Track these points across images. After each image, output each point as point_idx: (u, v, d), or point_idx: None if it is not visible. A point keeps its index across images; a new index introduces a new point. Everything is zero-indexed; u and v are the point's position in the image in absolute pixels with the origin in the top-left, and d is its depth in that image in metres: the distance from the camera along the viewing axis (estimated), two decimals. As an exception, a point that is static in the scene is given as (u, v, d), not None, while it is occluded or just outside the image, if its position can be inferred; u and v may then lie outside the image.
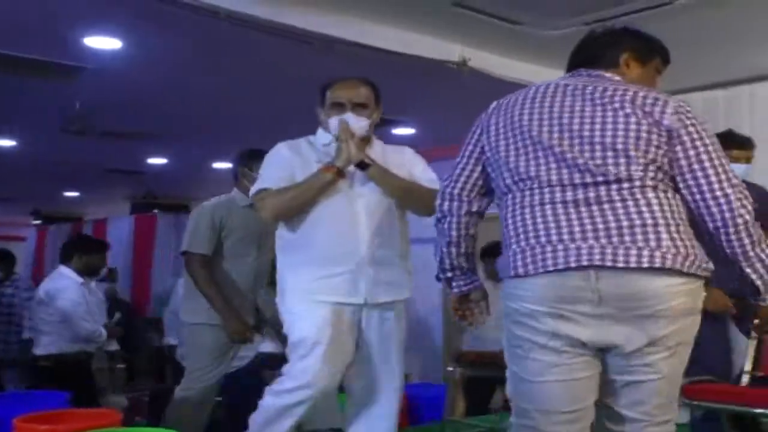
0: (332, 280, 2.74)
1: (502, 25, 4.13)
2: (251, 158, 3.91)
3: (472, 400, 4.95)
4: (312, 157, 2.89)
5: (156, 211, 10.78)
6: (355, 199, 2.81)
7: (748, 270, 1.98)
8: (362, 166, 2.80)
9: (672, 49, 4.48)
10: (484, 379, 4.95)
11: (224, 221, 3.76)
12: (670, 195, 1.97)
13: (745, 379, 3.50)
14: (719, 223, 1.95)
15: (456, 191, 2.22)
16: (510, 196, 2.08)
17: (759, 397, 3.21)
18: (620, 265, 1.88)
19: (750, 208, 1.94)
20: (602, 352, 1.98)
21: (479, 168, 2.19)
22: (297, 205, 2.78)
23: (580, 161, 1.97)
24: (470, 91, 4.94)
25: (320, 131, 3.00)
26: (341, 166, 2.77)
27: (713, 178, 1.94)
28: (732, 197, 1.93)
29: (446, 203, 2.24)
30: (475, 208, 2.23)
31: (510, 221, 2.06)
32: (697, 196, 1.96)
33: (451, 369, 4.99)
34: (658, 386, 1.97)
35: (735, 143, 3.68)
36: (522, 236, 2.01)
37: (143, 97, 5.55)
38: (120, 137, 6.66)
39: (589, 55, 2.21)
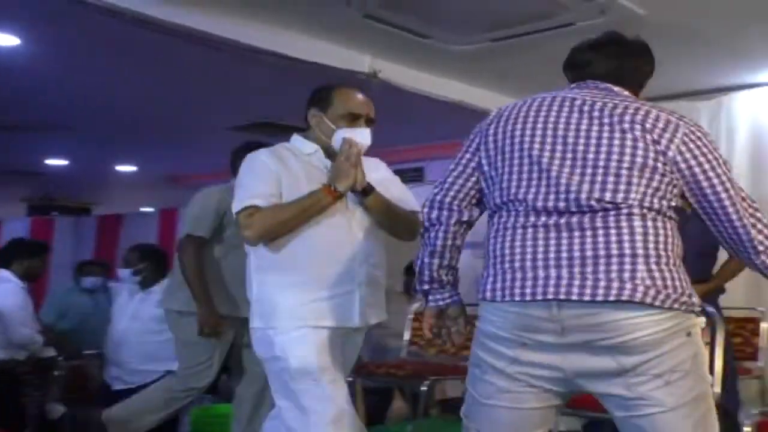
0: (328, 303, 2.55)
1: (412, 39, 4.17)
2: (250, 151, 3.87)
3: (370, 410, 4.97)
4: (298, 169, 2.62)
5: (55, 213, 10.41)
6: (350, 216, 2.62)
7: None
8: (364, 192, 2.61)
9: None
10: (383, 389, 4.98)
11: (228, 210, 3.67)
12: (660, 224, 1.87)
13: None
14: (741, 250, 1.93)
15: (447, 199, 2.08)
16: (497, 215, 1.99)
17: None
18: (587, 298, 1.80)
19: None
20: (572, 384, 1.91)
21: (474, 178, 2.06)
22: (289, 229, 2.54)
23: (573, 187, 1.87)
24: (380, 103, 4.97)
25: (298, 137, 2.73)
26: (343, 191, 2.55)
27: (730, 209, 1.89)
28: (749, 226, 1.89)
29: (434, 212, 2.10)
30: (465, 218, 2.09)
31: (491, 242, 1.98)
32: (717, 224, 1.92)
33: (350, 379, 5.00)
34: (669, 420, 1.82)
35: None
36: (499, 259, 1.93)
37: (42, 96, 5.36)
38: (16, 136, 6.42)
39: (614, 70, 2.07)
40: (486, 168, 2.02)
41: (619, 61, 2.09)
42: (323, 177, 2.60)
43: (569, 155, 1.90)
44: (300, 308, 2.53)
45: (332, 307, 2.55)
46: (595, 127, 1.91)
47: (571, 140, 1.91)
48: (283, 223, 2.53)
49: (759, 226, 1.90)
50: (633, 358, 1.80)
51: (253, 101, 5.43)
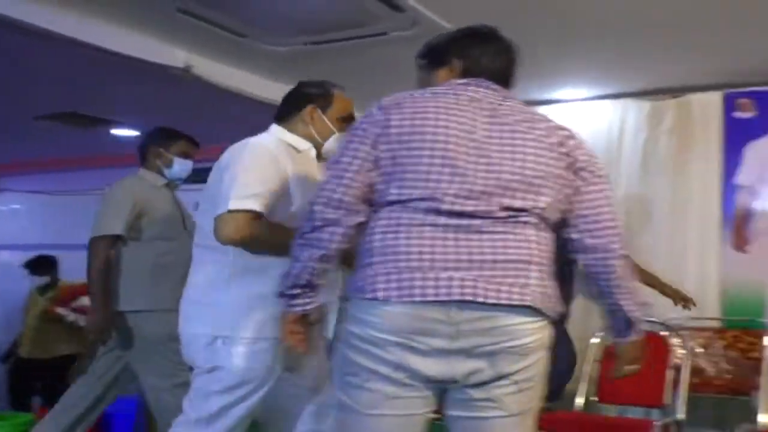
0: None
1: (228, 36, 4.16)
2: (166, 138, 3.68)
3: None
4: (303, 168, 2.48)
5: None
6: None
7: (622, 302, 1.96)
8: None
9: (388, 75, 4.78)
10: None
11: (146, 202, 3.45)
12: (547, 234, 1.91)
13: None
14: (600, 258, 1.93)
15: (347, 198, 1.88)
16: (387, 209, 1.87)
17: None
18: (491, 300, 1.77)
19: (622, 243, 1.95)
20: (444, 386, 1.86)
21: (372, 173, 1.89)
22: (270, 251, 2.36)
23: (486, 193, 1.83)
24: (195, 97, 4.93)
25: (284, 131, 2.58)
26: None
27: (609, 209, 1.94)
28: (617, 237, 1.94)
29: (330, 210, 1.88)
30: (362, 218, 1.91)
31: (379, 237, 1.85)
32: (584, 229, 1.93)
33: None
34: (505, 426, 1.84)
35: None
36: (392, 257, 1.81)
37: None
38: None
39: (502, 70, 2.04)
40: (385, 162, 1.87)
41: (507, 61, 2.06)
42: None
43: (484, 160, 1.85)
44: (273, 320, 2.31)
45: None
46: (507, 134, 1.88)
47: (486, 145, 1.86)
48: (272, 246, 2.34)
49: (620, 238, 1.96)
50: (512, 366, 1.80)
51: (60, 91, 5.20)
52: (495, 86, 1.98)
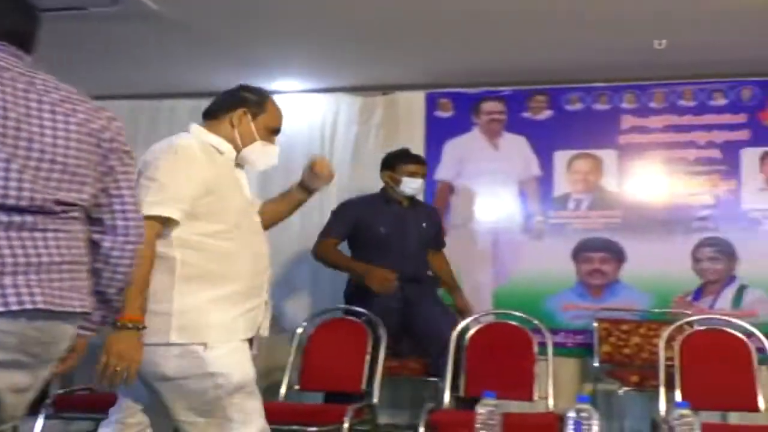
0: (251, 314, 2.46)
1: None
2: None
3: None
4: (229, 174, 2.52)
5: None
6: (259, 223, 2.59)
7: (118, 291, 1.86)
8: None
9: (88, 52, 4.52)
10: None
11: None
12: (86, 229, 1.77)
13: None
14: (130, 246, 1.83)
15: None
16: None
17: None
18: (50, 308, 1.62)
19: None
20: None
21: None
22: None
23: (36, 180, 1.61)
24: None
25: (205, 131, 2.55)
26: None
27: (137, 200, 1.88)
28: (143, 223, 1.88)
29: None
30: None
31: None
32: (120, 215, 1.81)
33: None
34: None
35: (412, 159, 4.24)
36: None
37: None
38: None
39: (21, 31, 1.73)
40: None
41: (27, 22, 1.76)
42: (243, 182, 2.54)
43: (25, 144, 1.61)
44: (234, 321, 2.40)
45: (253, 318, 2.48)
46: (47, 115, 1.66)
47: (27, 126, 1.62)
48: None
49: (142, 217, 1.91)
50: (47, 372, 1.71)
51: None
52: (20, 53, 1.71)
